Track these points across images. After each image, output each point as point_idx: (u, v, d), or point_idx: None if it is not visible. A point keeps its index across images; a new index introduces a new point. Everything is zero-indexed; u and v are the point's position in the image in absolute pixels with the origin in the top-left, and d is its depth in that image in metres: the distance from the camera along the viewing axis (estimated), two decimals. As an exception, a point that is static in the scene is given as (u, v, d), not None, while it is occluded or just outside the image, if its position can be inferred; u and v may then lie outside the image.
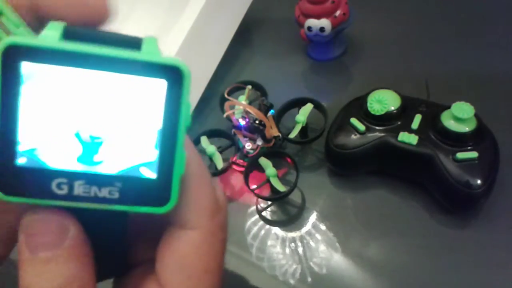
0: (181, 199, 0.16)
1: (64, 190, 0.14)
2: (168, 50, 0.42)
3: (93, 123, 0.14)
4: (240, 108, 0.42)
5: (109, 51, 0.14)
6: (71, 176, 0.14)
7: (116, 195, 0.15)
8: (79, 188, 0.14)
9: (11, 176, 0.14)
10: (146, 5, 0.50)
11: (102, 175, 0.15)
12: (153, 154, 0.15)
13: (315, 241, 0.37)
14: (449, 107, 0.35)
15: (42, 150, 0.14)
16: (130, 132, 0.15)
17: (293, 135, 0.41)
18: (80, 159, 0.14)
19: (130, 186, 0.15)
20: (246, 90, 0.44)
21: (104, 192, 0.15)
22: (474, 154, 0.34)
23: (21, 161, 0.14)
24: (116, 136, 0.15)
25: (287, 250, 0.37)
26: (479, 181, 0.33)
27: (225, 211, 0.18)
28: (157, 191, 0.15)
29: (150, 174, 0.15)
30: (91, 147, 0.14)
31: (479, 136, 0.35)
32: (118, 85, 0.14)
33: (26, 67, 0.13)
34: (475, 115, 0.35)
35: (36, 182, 0.14)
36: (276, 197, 0.39)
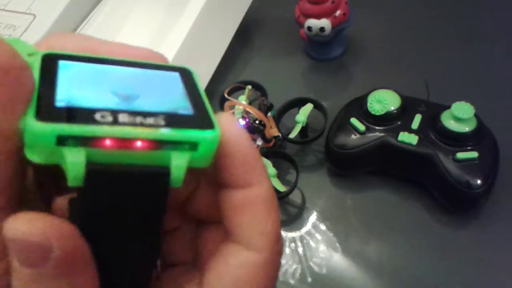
0: (250, 220, 0.16)
1: (109, 118, 0.14)
2: (168, 50, 0.42)
3: (127, 85, 0.16)
4: (240, 108, 0.42)
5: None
6: (115, 111, 0.14)
7: (162, 122, 0.14)
8: (124, 117, 0.14)
9: (51, 109, 0.13)
10: (146, 5, 0.50)
11: (145, 110, 0.14)
12: (185, 103, 0.16)
13: (315, 241, 0.37)
14: (449, 107, 0.35)
15: (81, 100, 0.14)
16: (161, 90, 0.16)
17: (293, 135, 0.41)
18: (119, 105, 0.15)
19: (173, 117, 0.15)
20: (246, 90, 0.44)
21: (149, 120, 0.14)
22: (474, 154, 0.34)
23: (60, 103, 0.14)
24: (149, 92, 0.16)
25: (287, 250, 0.37)
26: (479, 181, 0.33)
27: (282, 238, 0.18)
28: (200, 119, 0.15)
29: (188, 112, 0.15)
30: (127, 99, 0.15)
31: (479, 136, 0.35)
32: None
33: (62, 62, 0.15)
34: (475, 115, 0.35)
35: (79, 114, 0.13)
36: (276, 197, 0.39)
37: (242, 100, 0.44)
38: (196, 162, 0.15)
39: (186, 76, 0.17)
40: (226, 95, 0.43)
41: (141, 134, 0.14)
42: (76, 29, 0.51)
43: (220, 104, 0.45)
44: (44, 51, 0.15)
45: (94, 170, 0.13)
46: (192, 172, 0.16)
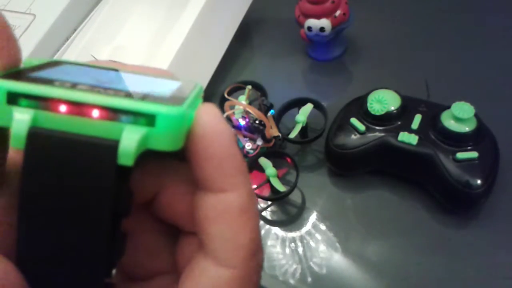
0: (221, 231, 0.14)
1: (67, 85, 0.13)
2: (168, 50, 0.42)
3: (116, 79, 0.15)
4: (240, 108, 0.42)
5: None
6: (77, 83, 0.14)
7: (121, 94, 0.13)
8: (83, 87, 0.13)
9: (13, 73, 0.13)
10: (146, 5, 0.50)
11: (112, 87, 0.14)
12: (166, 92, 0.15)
13: (315, 241, 0.37)
14: (449, 107, 0.35)
15: (51, 75, 0.14)
16: (149, 86, 0.15)
17: (293, 135, 0.41)
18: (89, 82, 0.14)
19: (138, 94, 0.14)
20: (246, 90, 0.44)
21: (109, 92, 0.13)
22: (474, 154, 0.34)
23: (27, 74, 0.14)
24: (135, 85, 0.15)
25: (287, 250, 0.37)
26: (479, 181, 0.33)
27: (263, 251, 0.16)
28: (170, 100, 0.14)
29: (161, 94, 0.14)
30: (105, 83, 0.15)
31: (479, 136, 0.35)
32: None
33: None
34: (475, 115, 0.35)
35: (37, 79, 0.13)
36: (276, 197, 0.39)
37: (242, 100, 0.44)
38: (155, 142, 0.13)
39: (185, 86, 0.16)
40: (226, 95, 0.43)
41: (94, 100, 0.13)
42: (76, 29, 0.51)
43: (220, 104, 0.45)
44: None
45: (37, 133, 0.13)
46: (162, 167, 0.15)
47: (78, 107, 0.13)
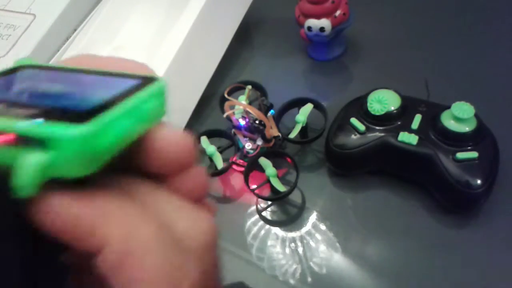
0: None
1: None
2: (168, 50, 0.42)
3: (58, 87, 0.15)
4: (240, 108, 0.42)
5: None
6: None
7: (25, 113, 0.12)
8: None
9: None
10: (146, 5, 0.50)
11: (32, 103, 0.13)
12: (93, 102, 0.13)
13: (315, 241, 0.37)
14: (449, 107, 0.35)
15: None
16: (90, 92, 0.14)
17: (293, 135, 0.41)
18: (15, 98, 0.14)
19: (52, 111, 0.12)
20: (246, 90, 0.44)
21: (19, 111, 0.12)
22: (474, 154, 0.34)
23: None
24: (74, 93, 0.14)
25: (287, 250, 0.37)
26: (479, 181, 0.33)
27: None
28: (78, 116, 0.12)
29: (79, 108, 0.13)
30: (37, 96, 0.14)
31: (479, 136, 0.35)
32: None
33: None
34: (475, 115, 0.35)
35: None
36: (276, 197, 0.39)
37: (242, 100, 0.44)
38: (59, 167, 0.12)
39: (141, 85, 0.15)
40: (226, 95, 0.43)
41: None
42: (76, 29, 0.51)
43: (220, 104, 0.45)
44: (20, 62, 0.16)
45: None
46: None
47: None
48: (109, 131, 0.12)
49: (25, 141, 0.11)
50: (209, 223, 0.15)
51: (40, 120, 0.12)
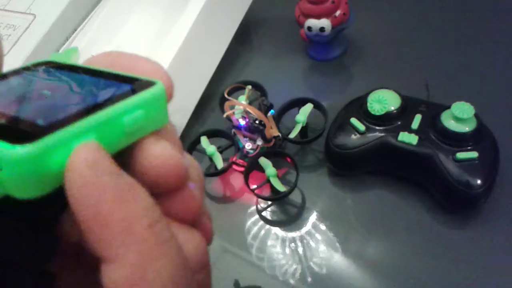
0: None
1: None
2: (168, 50, 0.42)
3: (50, 91, 0.15)
4: (240, 108, 0.42)
5: None
6: None
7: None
8: None
9: None
10: (146, 5, 0.50)
11: (6, 114, 0.12)
12: (65, 112, 0.13)
13: (315, 241, 0.37)
14: (449, 107, 0.35)
15: None
16: (76, 98, 0.14)
17: (293, 135, 0.41)
18: None
19: (9, 124, 0.12)
20: (246, 90, 0.44)
21: None
22: (474, 154, 0.34)
23: None
24: (60, 99, 0.14)
25: (287, 250, 0.37)
26: (479, 181, 0.33)
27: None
28: (34, 132, 0.11)
29: (43, 122, 0.12)
30: (20, 102, 0.14)
31: (479, 136, 0.35)
32: None
33: None
34: (475, 115, 0.35)
35: None
36: (276, 197, 0.39)
37: (242, 100, 0.44)
38: (8, 187, 0.11)
39: (132, 92, 0.14)
40: (226, 95, 0.43)
41: None
42: (76, 29, 0.51)
43: (220, 104, 0.45)
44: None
45: None
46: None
47: None
48: (61, 151, 0.11)
49: None
50: (198, 244, 0.15)
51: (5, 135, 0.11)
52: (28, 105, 0.13)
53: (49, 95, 0.14)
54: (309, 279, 0.35)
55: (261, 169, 0.39)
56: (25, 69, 0.16)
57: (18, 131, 0.12)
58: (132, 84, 0.14)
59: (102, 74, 0.15)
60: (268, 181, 0.38)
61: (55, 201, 0.13)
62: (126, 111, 0.13)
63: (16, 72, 0.16)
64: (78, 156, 0.11)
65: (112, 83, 0.14)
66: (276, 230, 0.39)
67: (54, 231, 0.14)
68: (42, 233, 0.13)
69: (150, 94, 0.14)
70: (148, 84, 0.14)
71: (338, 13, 0.45)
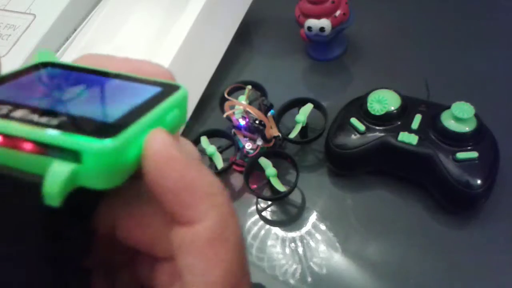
0: (192, 265, 0.13)
1: (3, 111, 0.12)
2: (168, 51, 0.42)
3: (82, 91, 0.15)
4: (240, 108, 0.42)
5: None
6: (18, 105, 0.13)
7: (55, 123, 0.12)
8: (18, 113, 0.12)
9: None
10: (146, 5, 0.50)
11: (56, 110, 0.13)
12: (118, 113, 0.13)
13: (315, 241, 0.37)
14: (449, 107, 0.35)
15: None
16: (112, 100, 0.14)
17: (293, 135, 0.41)
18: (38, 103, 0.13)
19: (79, 121, 0.12)
20: (246, 90, 0.44)
21: (43, 119, 0.12)
22: (474, 154, 0.34)
23: None
24: (97, 99, 0.14)
25: (287, 250, 0.37)
26: (479, 181, 0.33)
27: (249, 279, 0.15)
28: (108, 128, 0.12)
29: (106, 120, 0.13)
30: (60, 101, 0.14)
31: (479, 136, 0.35)
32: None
33: None
34: (475, 115, 0.35)
35: None
36: (276, 197, 0.39)
37: (242, 100, 0.44)
38: (85, 180, 0.12)
39: (165, 94, 0.15)
40: (226, 95, 0.43)
41: (19, 132, 0.12)
42: (76, 29, 0.51)
43: (220, 104, 0.45)
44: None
45: None
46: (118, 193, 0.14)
47: (11, 139, 0.12)
48: (135, 144, 0.13)
49: (53, 150, 0.12)
50: None
51: (69, 130, 0.12)
52: (75, 104, 0.14)
53: (91, 93, 0.15)
54: (309, 279, 0.35)
55: (261, 169, 0.39)
56: (34, 67, 0.16)
57: (91, 127, 0.12)
58: (162, 87, 0.15)
59: (124, 77, 0.16)
60: (268, 181, 0.38)
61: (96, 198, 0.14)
62: (169, 109, 0.14)
63: (32, 68, 0.16)
64: (157, 139, 0.13)
65: (141, 86, 0.15)
66: (276, 230, 0.39)
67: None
68: (86, 228, 0.14)
69: (180, 95, 0.15)
70: (173, 86, 0.15)
71: (338, 13, 0.45)
